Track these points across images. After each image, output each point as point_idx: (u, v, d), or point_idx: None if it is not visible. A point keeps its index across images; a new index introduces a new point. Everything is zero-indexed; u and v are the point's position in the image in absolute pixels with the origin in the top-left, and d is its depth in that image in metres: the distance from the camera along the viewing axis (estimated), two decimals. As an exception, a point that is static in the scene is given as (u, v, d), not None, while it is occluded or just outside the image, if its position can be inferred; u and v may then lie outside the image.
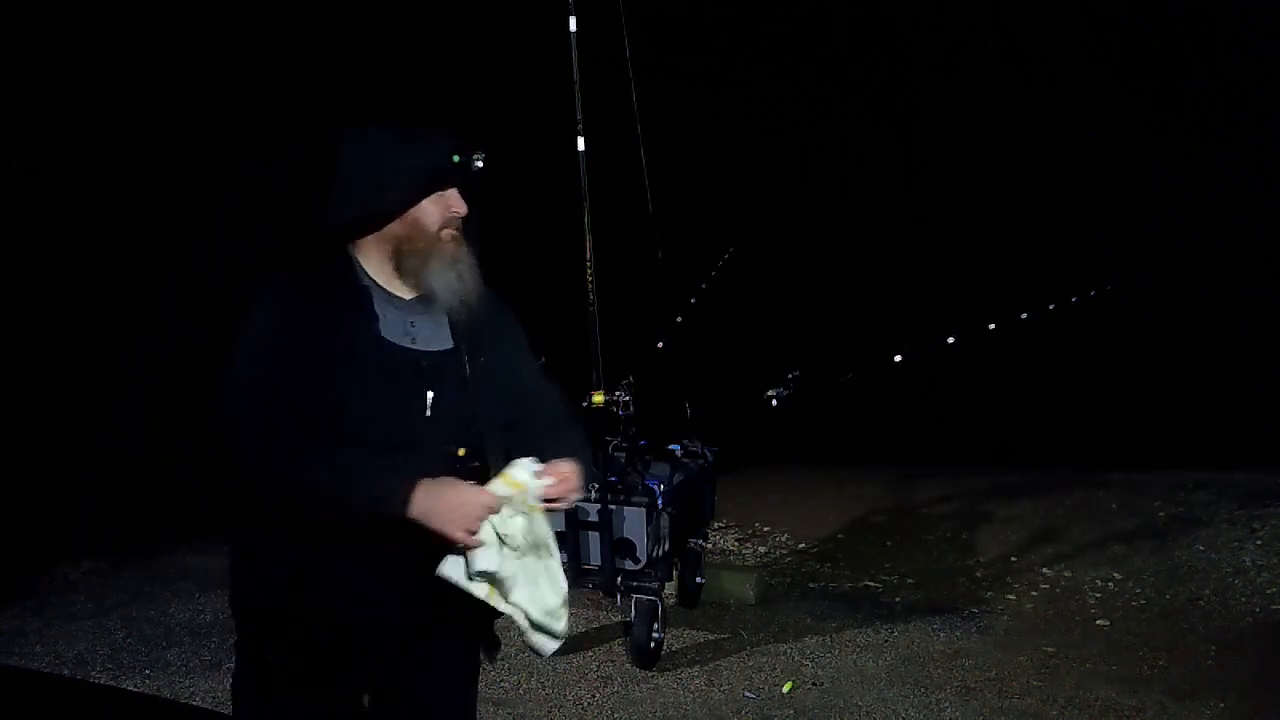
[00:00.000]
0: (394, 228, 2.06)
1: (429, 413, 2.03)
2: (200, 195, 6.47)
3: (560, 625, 2.05)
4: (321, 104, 6.21)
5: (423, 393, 2.03)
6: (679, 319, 5.14)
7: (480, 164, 2.09)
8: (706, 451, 5.02)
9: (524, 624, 2.04)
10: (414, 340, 2.06)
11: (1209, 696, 4.03)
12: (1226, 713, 3.91)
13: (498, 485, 1.97)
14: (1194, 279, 8.35)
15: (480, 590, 1.97)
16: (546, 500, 2.01)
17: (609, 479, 4.40)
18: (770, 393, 4.78)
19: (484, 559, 1.94)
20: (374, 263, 2.09)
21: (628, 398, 4.43)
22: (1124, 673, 4.29)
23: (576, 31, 4.21)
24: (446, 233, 2.08)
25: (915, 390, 7.49)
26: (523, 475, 1.98)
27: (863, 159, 9.74)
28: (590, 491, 4.40)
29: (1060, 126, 9.17)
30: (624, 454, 4.52)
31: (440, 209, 2.07)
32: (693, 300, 5.27)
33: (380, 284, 2.09)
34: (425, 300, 2.09)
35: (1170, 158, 8.75)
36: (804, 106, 9.73)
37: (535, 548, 2.03)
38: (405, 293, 2.10)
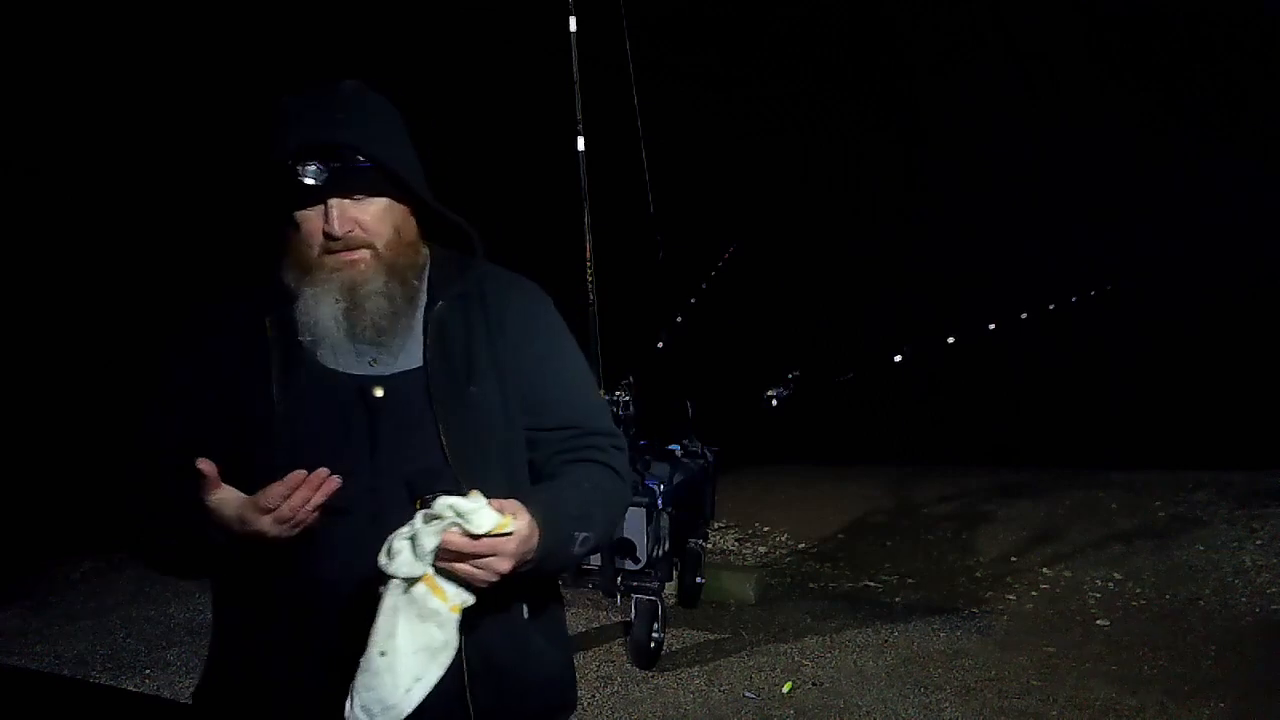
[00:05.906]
0: None
1: (376, 453, 1.59)
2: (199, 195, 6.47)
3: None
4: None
5: (366, 427, 1.60)
6: (679, 319, 5.14)
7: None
8: (706, 451, 5.02)
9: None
10: (373, 361, 1.63)
11: (1209, 696, 4.03)
12: (1226, 713, 3.91)
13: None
14: (1194, 279, 8.35)
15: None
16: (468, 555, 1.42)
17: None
18: (770, 393, 4.78)
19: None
20: None
21: (628, 398, 4.43)
22: (1124, 673, 4.29)
23: (576, 31, 4.21)
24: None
25: (915, 390, 7.49)
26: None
27: (863, 159, 9.74)
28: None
29: (1060, 126, 9.17)
30: (624, 454, 4.52)
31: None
32: (693, 300, 5.27)
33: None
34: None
35: (1170, 157, 8.75)
36: (804, 106, 9.73)
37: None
38: None
